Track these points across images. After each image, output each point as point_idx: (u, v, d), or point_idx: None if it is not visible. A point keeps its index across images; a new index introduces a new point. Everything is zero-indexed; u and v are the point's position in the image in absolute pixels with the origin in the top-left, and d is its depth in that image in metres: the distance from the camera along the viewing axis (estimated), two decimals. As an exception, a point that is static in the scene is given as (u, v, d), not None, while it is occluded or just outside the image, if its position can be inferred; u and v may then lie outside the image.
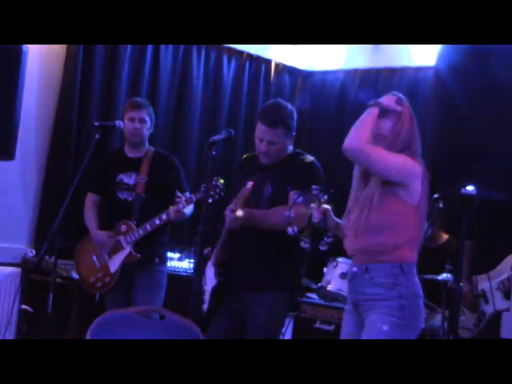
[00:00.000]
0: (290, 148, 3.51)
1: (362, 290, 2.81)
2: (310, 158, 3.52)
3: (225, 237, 3.37)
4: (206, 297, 3.43)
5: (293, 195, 3.28)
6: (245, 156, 3.71)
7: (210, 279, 3.43)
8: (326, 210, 2.90)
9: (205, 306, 3.43)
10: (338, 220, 2.98)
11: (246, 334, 3.40)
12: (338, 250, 4.80)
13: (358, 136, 2.80)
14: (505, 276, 4.10)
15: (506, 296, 4.03)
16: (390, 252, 2.77)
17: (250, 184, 3.29)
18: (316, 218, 2.87)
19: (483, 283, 4.20)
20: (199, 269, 3.26)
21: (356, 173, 2.97)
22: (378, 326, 2.69)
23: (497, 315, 3.96)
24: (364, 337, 2.74)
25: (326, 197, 2.88)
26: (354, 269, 2.87)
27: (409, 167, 2.77)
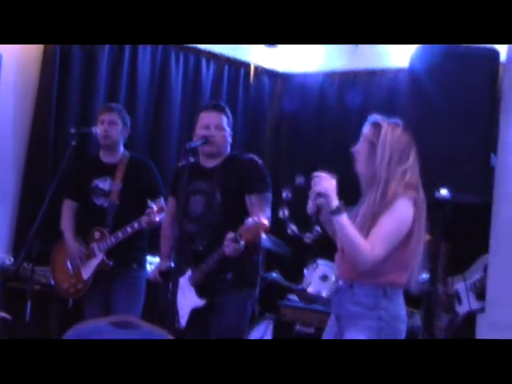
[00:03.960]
0: (229, 148, 3.61)
1: (344, 306, 2.79)
2: (252, 156, 3.63)
3: (217, 260, 3.36)
4: (183, 312, 3.46)
5: (249, 198, 3.44)
6: (180, 164, 3.70)
7: (189, 298, 3.46)
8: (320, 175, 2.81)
9: (182, 322, 3.46)
10: None
11: (212, 331, 3.48)
12: (319, 251, 4.89)
13: (359, 255, 2.67)
14: (477, 277, 4.15)
15: (480, 296, 4.08)
16: (375, 276, 2.71)
17: (264, 218, 3.24)
18: (310, 209, 2.78)
19: (458, 284, 4.25)
20: (176, 275, 3.26)
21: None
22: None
23: (471, 316, 4.00)
24: None
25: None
26: (340, 282, 2.84)
27: (402, 222, 2.69)
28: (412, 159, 2.78)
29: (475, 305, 4.11)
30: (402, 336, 2.75)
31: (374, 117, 2.86)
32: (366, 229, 2.69)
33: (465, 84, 4.63)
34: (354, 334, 2.71)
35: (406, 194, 2.70)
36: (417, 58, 4.98)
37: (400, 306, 2.77)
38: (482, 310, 3.86)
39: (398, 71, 5.57)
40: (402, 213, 2.69)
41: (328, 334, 2.91)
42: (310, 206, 2.78)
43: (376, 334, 2.67)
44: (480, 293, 4.08)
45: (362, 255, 2.65)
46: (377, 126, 2.81)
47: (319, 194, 2.69)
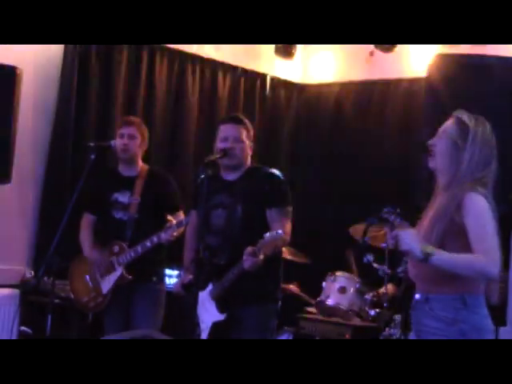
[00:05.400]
0: (249, 161, 3.61)
1: (423, 322, 2.64)
2: (273, 170, 3.64)
3: (237, 274, 3.36)
4: (204, 326, 3.48)
5: (270, 212, 3.44)
6: (202, 176, 3.71)
7: (210, 312, 3.48)
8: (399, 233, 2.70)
9: (203, 336, 3.47)
10: None
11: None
12: (337, 264, 4.89)
13: (481, 270, 2.51)
14: None
15: None
16: (451, 281, 2.55)
17: (281, 232, 3.26)
18: (391, 243, 2.68)
19: None
20: (196, 289, 3.27)
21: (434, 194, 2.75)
22: None
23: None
24: None
25: (398, 219, 2.75)
26: (417, 296, 2.69)
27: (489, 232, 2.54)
28: (494, 163, 2.64)
29: None
30: None
31: (461, 114, 2.68)
32: (429, 231, 2.58)
33: (482, 94, 4.64)
34: None
35: (473, 188, 2.56)
36: (434, 67, 4.99)
37: (483, 316, 2.58)
38: None
39: (413, 80, 5.59)
40: (479, 206, 2.54)
41: None
42: (390, 241, 2.69)
43: None
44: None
45: (484, 268, 2.48)
46: (463, 127, 2.64)
47: (406, 252, 2.56)
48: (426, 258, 2.48)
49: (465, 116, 2.66)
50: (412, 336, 2.74)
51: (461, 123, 2.65)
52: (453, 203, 2.57)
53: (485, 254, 2.48)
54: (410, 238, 2.53)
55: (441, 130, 2.71)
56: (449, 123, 2.69)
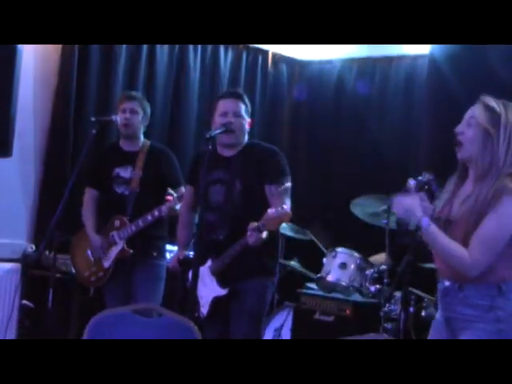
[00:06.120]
0: (246, 137, 3.60)
1: (456, 309, 2.57)
2: (271, 146, 3.64)
3: (239, 250, 3.37)
4: (204, 301, 3.49)
5: (269, 188, 3.43)
6: (199, 152, 3.70)
7: (210, 287, 3.49)
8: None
9: (203, 311, 3.50)
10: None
11: (232, 318, 3.48)
12: (338, 239, 4.90)
13: (456, 263, 2.50)
14: None
15: None
16: (485, 275, 2.48)
17: (286, 208, 3.25)
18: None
19: None
20: (197, 264, 3.28)
21: (454, 179, 2.68)
22: None
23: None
24: None
25: (435, 187, 2.63)
26: (446, 283, 2.60)
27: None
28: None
29: None
30: None
31: (488, 100, 2.56)
32: (471, 223, 2.49)
33: (484, 71, 4.63)
34: (471, 338, 2.47)
35: None
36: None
37: None
38: None
39: (415, 57, 5.56)
40: (508, 212, 2.45)
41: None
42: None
43: (496, 337, 2.44)
44: None
45: (460, 263, 2.48)
46: (493, 113, 2.51)
47: (400, 219, 2.53)
48: (419, 228, 2.47)
49: (492, 101, 2.54)
50: (440, 323, 2.67)
51: (490, 109, 2.53)
52: (492, 199, 2.46)
53: (472, 255, 2.46)
54: (406, 204, 2.51)
55: (467, 116, 2.59)
56: (476, 109, 2.56)
